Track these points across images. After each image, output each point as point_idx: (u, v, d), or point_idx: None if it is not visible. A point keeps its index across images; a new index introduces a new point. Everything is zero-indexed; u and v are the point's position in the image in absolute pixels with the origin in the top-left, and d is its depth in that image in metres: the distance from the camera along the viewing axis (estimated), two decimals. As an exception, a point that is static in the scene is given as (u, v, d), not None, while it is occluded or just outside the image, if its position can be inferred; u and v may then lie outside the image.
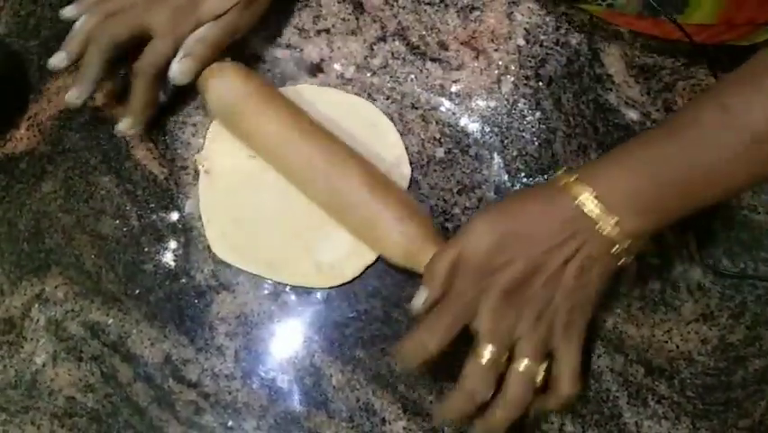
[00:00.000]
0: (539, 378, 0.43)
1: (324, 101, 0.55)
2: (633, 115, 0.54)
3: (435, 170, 0.54)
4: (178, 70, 0.50)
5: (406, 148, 0.54)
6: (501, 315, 0.42)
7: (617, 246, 0.42)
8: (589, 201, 0.41)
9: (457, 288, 0.43)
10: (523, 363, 0.43)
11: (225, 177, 0.54)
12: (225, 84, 0.51)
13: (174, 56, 0.50)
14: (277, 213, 0.53)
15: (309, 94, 0.55)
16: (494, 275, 0.42)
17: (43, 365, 0.53)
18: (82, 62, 0.51)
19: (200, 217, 0.54)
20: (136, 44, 0.51)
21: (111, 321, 0.53)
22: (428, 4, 0.57)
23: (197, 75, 0.51)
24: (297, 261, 0.52)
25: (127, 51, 0.52)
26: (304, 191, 0.51)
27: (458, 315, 0.43)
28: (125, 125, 0.52)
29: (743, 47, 0.52)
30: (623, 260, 0.43)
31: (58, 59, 0.52)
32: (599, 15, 0.55)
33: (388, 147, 0.54)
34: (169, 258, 0.54)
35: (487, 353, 0.43)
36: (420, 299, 0.44)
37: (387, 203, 0.48)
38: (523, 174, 0.53)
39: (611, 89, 0.55)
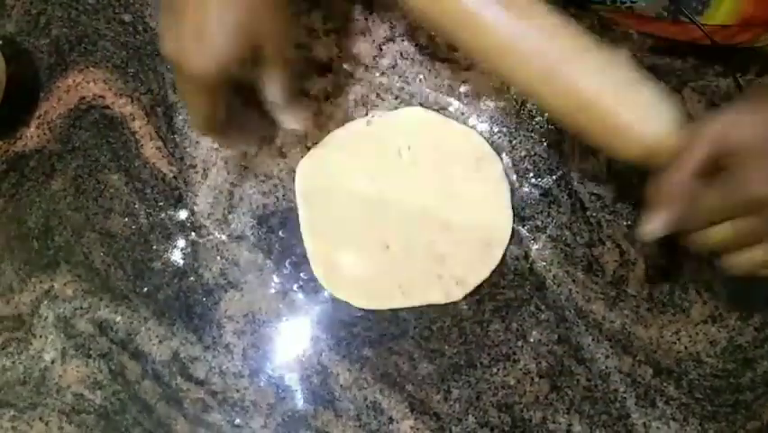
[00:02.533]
0: None
1: (428, 128, 0.54)
2: (642, 115, 0.54)
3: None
4: (287, 126, 0.47)
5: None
6: None
7: None
8: None
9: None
10: None
11: (326, 206, 0.53)
12: None
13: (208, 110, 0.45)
14: (392, 235, 0.52)
15: (414, 117, 0.55)
16: None
17: (52, 362, 0.53)
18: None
19: (209, 216, 0.54)
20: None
21: (119, 318, 0.53)
22: (437, 4, 0.57)
23: (295, 102, 0.47)
24: (426, 281, 0.51)
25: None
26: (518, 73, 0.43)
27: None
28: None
29: (756, 49, 0.52)
30: None
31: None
32: (612, 17, 0.55)
33: (491, 184, 0.53)
34: (177, 256, 0.54)
35: None
36: (656, 222, 0.38)
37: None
38: (531, 174, 0.53)
39: (620, 90, 0.55)
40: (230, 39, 0.41)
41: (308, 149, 0.55)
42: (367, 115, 0.55)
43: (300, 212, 0.53)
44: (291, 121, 0.47)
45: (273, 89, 0.45)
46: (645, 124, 0.39)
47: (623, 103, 0.40)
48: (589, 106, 0.40)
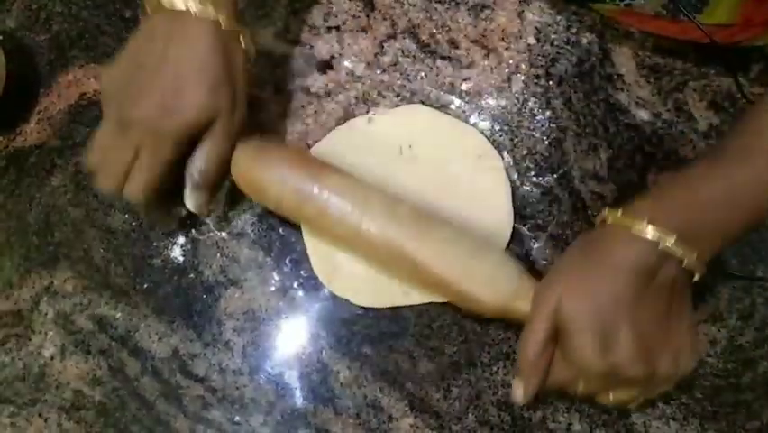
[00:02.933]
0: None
1: (429, 125, 0.54)
2: (643, 114, 0.54)
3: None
4: (195, 206, 0.49)
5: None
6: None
7: (697, 275, 0.42)
8: (671, 244, 0.40)
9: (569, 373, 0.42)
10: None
11: None
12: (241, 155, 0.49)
13: (158, 169, 0.47)
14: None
15: (422, 115, 0.55)
16: (614, 367, 0.41)
17: (51, 358, 0.53)
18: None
19: (209, 213, 0.54)
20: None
21: (119, 315, 0.53)
22: (439, 2, 0.57)
23: (213, 194, 0.50)
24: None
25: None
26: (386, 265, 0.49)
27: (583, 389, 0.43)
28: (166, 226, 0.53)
29: (756, 47, 0.52)
30: (695, 279, 0.43)
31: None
32: (613, 15, 0.55)
33: (492, 182, 0.53)
34: (177, 253, 0.54)
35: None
36: (519, 391, 0.43)
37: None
38: (533, 173, 0.53)
39: (622, 89, 0.55)
40: (204, 100, 0.45)
41: (309, 147, 0.55)
42: (368, 112, 0.55)
43: None
44: (195, 200, 0.49)
45: (202, 162, 0.47)
46: (490, 291, 0.46)
47: (467, 276, 0.46)
48: (437, 282, 0.46)
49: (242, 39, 0.48)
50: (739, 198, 0.41)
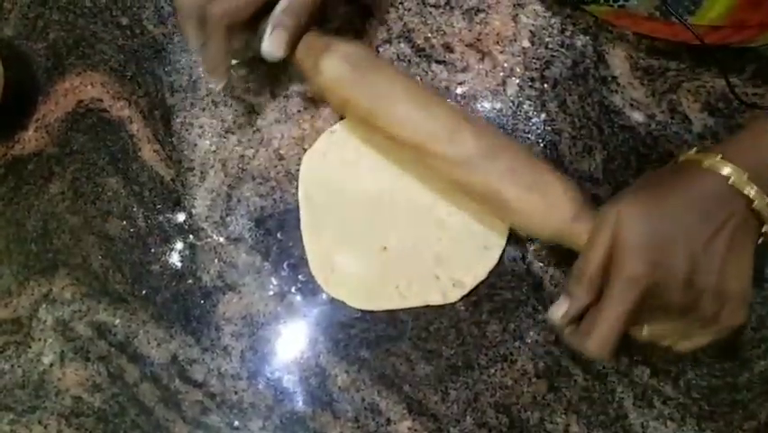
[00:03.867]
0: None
1: None
2: (638, 116, 0.54)
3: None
4: (272, 45, 0.48)
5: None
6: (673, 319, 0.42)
7: (765, 226, 0.41)
8: (742, 180, 0.40)
9: (615, 294, 0.41)
10: None
11: (326, 207, 0.54)
12: (339, 60, 0.48)
13: (245, 9, 0.47)
14: (390, 236, 0.52)
15: None
16: (658, 285, 0.40)
17: (51, 365, 0.53)
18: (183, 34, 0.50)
19: (206, 218, 0.54)
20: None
21: (118, 321, 0.53)
22: (433, 6, 0.58)
23: (290, 48, 0.49)
24: (423, 282, 0.51)
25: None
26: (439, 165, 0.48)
27: (622, 325, 0.41)
28: (213, 83, 0.51)
29: (749, 48, 0.52)
30: (764, 229, 0.42)
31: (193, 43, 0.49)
32: (606, 18, 0.55)
33: None
34: (175, 259, 0.54)
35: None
36: (562, 308, 0.43)
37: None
38: (528, 175, 0.53)
39: (616, 91, 0.55)
40: None
41: (305, 150, 0.55)
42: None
43: (301, 211, 0.54)
44: (275, 40, 0.48)
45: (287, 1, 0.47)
46: (552, 212, 0.44)
47: (530, 195, 0.45)
48: (501, 201, 0.46)
49: None
50: None
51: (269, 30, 0.48)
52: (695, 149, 0.44)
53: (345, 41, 0.49)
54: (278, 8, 0.48)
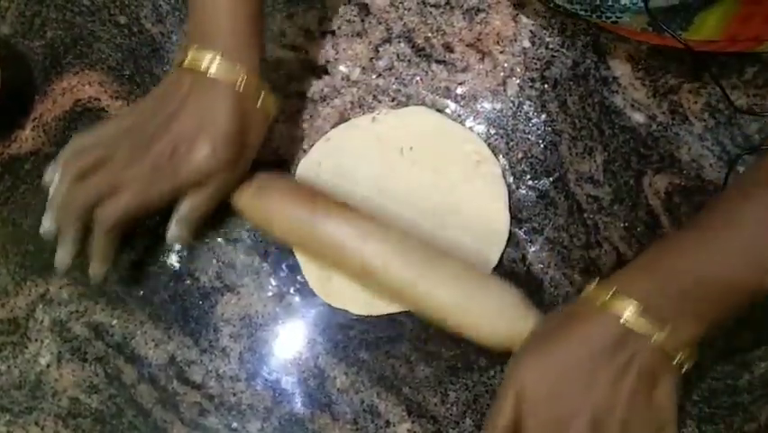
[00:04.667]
0: None
1: (431, 128, 0.54)
2: (639, 117, 0.54)
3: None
4: (175, 238, 0.49)
5: (412, 150, 0.54)
6: None
7: (679, 355, 0.40)
8: (636, 319, 0.39)
9: None
10: None
11: None
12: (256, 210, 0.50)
13: (136, 214, 0.48)
14: None
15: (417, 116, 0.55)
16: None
17: (48, 366, 0.53)
18: (59, 230, 0.48)
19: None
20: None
21: (115, 322, 0.53)
22: (434, 6, 0.57)
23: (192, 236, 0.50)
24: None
25: None
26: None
27: None
28: (93, 271, 0.49)
29: (746, 54, 0.52)
30: (686, 366, 0.41)
31: (47, 231, 0.49)
32: (603, 26, 0.55)
33: (489, 186, 0.53)
34: (173, 259, 0.54)
35: None
36: None
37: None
38: (528, 177, 0.53)
39: (617, 92, 0.55)
40: (207, 157, 0.46)
41: (305, 151, 0.55)
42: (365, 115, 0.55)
43: None
44: (178, 234, 0.49)
45: (187, 209, 0.48)
46: (494, 329, 0.46)
47: (473, 311, 0.46)
48: (441, 319, 0.47)
49: (260, 100, 0.48)
50: (713, 269, 0.39)
51: (173, 221, 0.48)
52: (594, 284, 0.42)
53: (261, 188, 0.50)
54: (186, 205, 0.48)
